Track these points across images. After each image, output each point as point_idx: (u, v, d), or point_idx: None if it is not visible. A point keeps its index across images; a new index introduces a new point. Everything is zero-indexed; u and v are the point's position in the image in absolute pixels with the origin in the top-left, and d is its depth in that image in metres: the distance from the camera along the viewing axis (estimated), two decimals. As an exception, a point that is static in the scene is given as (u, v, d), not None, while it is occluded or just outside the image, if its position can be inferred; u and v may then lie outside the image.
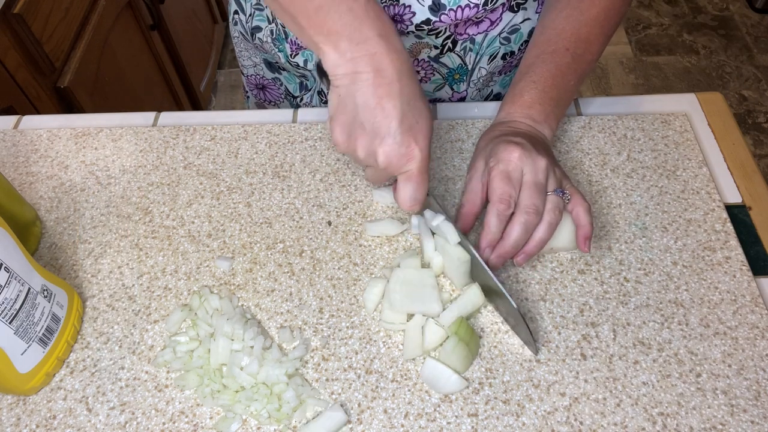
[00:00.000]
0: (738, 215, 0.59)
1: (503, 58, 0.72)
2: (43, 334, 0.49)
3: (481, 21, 0.67)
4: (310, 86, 0.79)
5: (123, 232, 0.61)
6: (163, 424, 0.49)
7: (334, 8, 0.47)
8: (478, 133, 0.67)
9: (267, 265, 0.58)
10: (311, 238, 0.59)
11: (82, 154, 0.68)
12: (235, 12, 0.74)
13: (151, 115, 0.72)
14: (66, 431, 0.49)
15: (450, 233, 0.53)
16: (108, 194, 0.64)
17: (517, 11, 0.68)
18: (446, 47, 0.68)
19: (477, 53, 0.70)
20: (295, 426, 0.48)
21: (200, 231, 0.60)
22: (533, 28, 0.69)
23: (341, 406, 0.48)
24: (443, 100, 0.75)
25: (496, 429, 0.47)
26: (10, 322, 0.46)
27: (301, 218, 0.61)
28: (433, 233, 0.55)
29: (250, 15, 0.72)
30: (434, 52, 0.69)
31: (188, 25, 1.84)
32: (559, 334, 0.52)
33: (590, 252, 0.55)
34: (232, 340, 0.51)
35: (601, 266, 0.56)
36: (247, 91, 0.88)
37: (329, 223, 0.60)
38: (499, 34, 0.69)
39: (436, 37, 0.67)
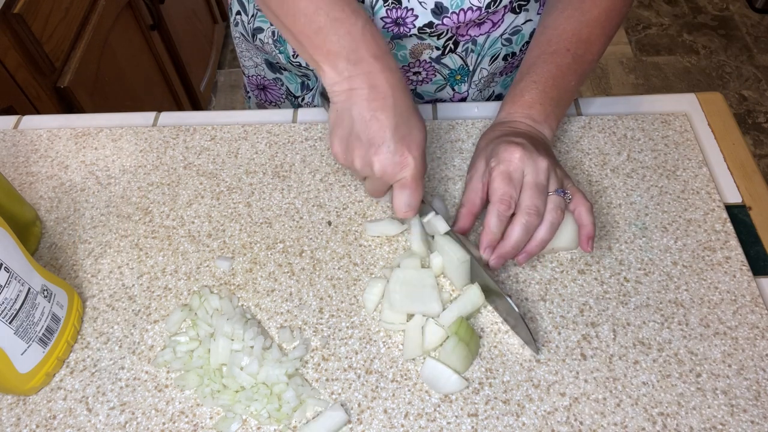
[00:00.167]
0: (738, 215, 0.59)
1: (504, 59, 0.72)
2: (43, 334, 0.49)
3: (483, 22, 0.67)
4: (311, 86, 0.79)
5: (123, 232, 0.61)
6: (163, 424, 0.49)
7: (333, 31, 0.51)
8: (478, 133, 0.67)
9: (267, 265, 0.58)
10: (311, 238, 0.59)
11: (82, 154, 0.68)
12: (237, 13, 0.74)
13: (151, 115, 0.72)
14: (66, 431, 0.49)
15: (440, 225, 0.54)
16: (108, 194, 0.64)
17: (519, 12, 0.68)
18: (448, 48, 0.68)
19: (479, 54, 0.70)
20: (295, 426, 0.48)
21: (200, 231, 0.60)
22: (534, 29, 0.70)
23: (341, 406, 0.48)
24: (444, 101, 0.76)
25: (496, 429, 0.47)
26: (10, 322, 0.46)
27: (301, 218, 0.61)
28: (433, 236, 0.55)
29: (252, 16, 0.72)
30: (436, 53, 0.69)
31: (188, 25, 1.84)
32: (559, 334, 0.52)
33: (592, 251, 0.55)
34: (232, 340, 0.51)
35: (601, 266, 0.56)
36: (248, 92, 0.88)
37: (329, 223, 0.60)
38: (501, 35, 0.69)
39: (438, 39, 0.67)
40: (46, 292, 0.50)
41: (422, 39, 0.67)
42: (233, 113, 0.72)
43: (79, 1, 1.22)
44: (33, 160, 0.68)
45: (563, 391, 0.49)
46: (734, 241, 0.57)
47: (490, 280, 0.51)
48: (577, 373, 0.50)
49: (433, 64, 0.70)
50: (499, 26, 0.68)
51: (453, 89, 0.74)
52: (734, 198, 0.61)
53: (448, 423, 0.48)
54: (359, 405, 0.49)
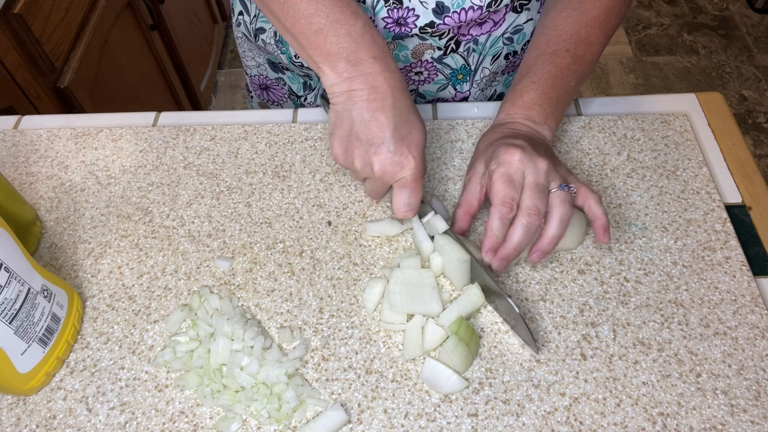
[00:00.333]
0: (738, 215, 0.59)
1: (506, 57, 0.72)
2: (43, 334, 0.49)
3: (485, 22, 0.67)
4: (313, 86, 0.79)
5: (123, 232, 0.61)
6: (163, 424, 0.49)
7: (333, 32, 0.51)
8: (478, 133, 0.67)
9: (267, 265, 0.58)
10: (311, 238, 0.59)
11: (82, 154, 0.68)
12: (240, 13, 0.74)
13: (151, 115, 0.72)
14: (66, 431, 0.49)
15: (439, 224, 0.54)
16: (108, 194, 0.64)
17: (521, 12, 0.68)
18: (449, 48, 0.68)
19: (480, 54, 0.70)
20: (295, 426, 0.48)
21: (200, 231, 0.60)
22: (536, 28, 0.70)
23: (341, 406, 0.48)
24: (446, 100, 0.76)
25: (496, 429, 0.47)
26: (10, 322, 0.46)
27: (301, 218, 0.61)
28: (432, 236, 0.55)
29: (254, 16, 0.72)
30: (437, 53, 0.69)
31: (188, 25, 1.84)
32: (559, 334, 0.52)
33: (609, 241, 0.55)
34: (232, 340, 0.51)
35: (601, 266, 0.56)
36: (250, 92, 0.88)
37: (329, 223, 0.60)
38: (503, 34, 0.69)
39: (440, 39, 0.67)
40: (46, 292, 0.50)
41: (424, 39, 0.67)
42: (233, 113, 0.72)
43: (79, 1, 1.22)
44: (33, 160, 0.68)
45: (563, 391, 0.49)
46: (734, 241, 0.57)
47: (490, 280, 0.51)
48: (577, 373, 0.50)
49: (435, 64, 0.70)
50: (501, 25, 0.68)
51: (455, 89, 0.74)
52: (734, 198, 0.61)
53: (448, 423, 0.48)
54: (359, 405, 0.49)
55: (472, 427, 0.47)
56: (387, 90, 0.51)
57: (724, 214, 0.59)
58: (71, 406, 0.50)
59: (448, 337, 0.50)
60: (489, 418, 0.48)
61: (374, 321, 0.53)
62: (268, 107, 0.86)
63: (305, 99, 0.81)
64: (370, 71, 0.51)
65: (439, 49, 0.68)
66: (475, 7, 0.62)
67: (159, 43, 1.61)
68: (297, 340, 0.53)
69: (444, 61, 0.70)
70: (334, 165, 0.65)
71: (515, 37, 0.70)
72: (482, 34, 0.68)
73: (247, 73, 0.85)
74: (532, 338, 0.49)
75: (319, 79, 0.76)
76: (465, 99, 0.76)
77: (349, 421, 0.48)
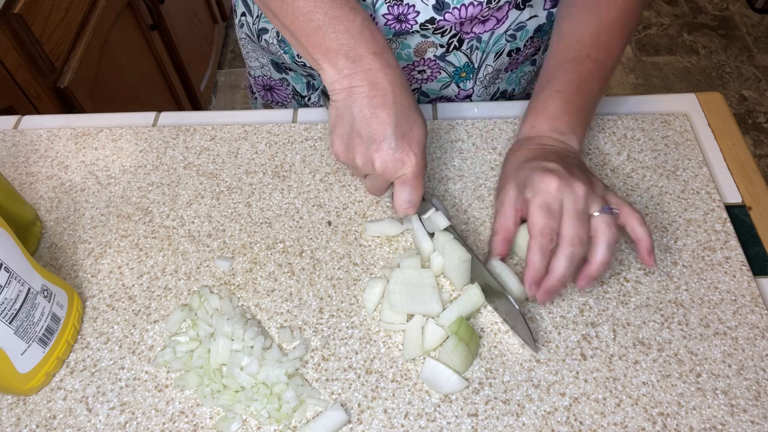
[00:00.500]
0: (738, 215, 0.59)
1: (509, 55, 0.72)
2: (43, 334, 0.49)
3: (488, 19, 0.67)
4: (317, 86, 0.79)
5: (123, 232, 0.61)
6: (163, 424, 0.49)
7: (332, 29, 0.51)
8: (478, 133, 0.67)
9: (267, 265, 0.58)
10: (311, 238, 0.59)
11: (82, 154, 0.68)
12: (243, 14, 0.74)
13: (151, 115, 0.72)
14: (66, 431, 0.49)
15: (440, 221, 0.54)
16: (108, 194, 0.64)
17: (524, 9, 0.68)
18: (452, 45, 0.68)
19: (483, 51, 0.70)
20: (295, 426, 0.48)
21: (200, 231, 0.60)
22: (539, 25, 0.69)
23: (341, 406, 0.48)
24: (450, 98, 0.76)
25: (496, 429, 0.47)
26: (10, 322, 0.46)
27: (301, 218, 0.61)
28: (432, 235, 0.55)
29: (257, 17, 0.72)
30: (440, 51, 0.69)
31: (188, 25, 1.84)
32: (559, 334, 0.52)
33: (655, 265, 0.54)
34: (232, 340, 0.51)
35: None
36: (254, 92, 0.88)
37: (329, 223, 0.60)
38: (506, 31, 0.69)
39: (442, 36, 0.67)
40: (46, 292, 0.50)
41: (426, 36, 0.67)
42: (233, 113, 0.72)
43: (79, 1, 1.22)
44: (33, 160, 0.68)
45: (563, 391, 0.49)
46: (734, 241, 0.57)
47: (492, 279, 0.51)
48: (577, 373, 0.50)
49: (438, 61, 0.70)
50: (504, 23, 0.68)
51: (458, 86, 0.74)
52: (734, 198, 0.61)
53: (448, 423, 0.48)
54: (359, 405, 0.49)
55: (472, 427, 0.47)
56: (388, 86, 0.51)
57: (724, 214, 0.59)
58: (71, 406, 0.50)
59: (448, 337, 0.50)
60: (489, 418, 0.48)
61: (374, 321, 0.53)
62: (272, 108, 0.86)
63: (309, 99, 0.81)
64: (370, 67, 0.51)
65: (442, 46, 0.68)
66: (475, 3, 0.62)
67: (159, 43, 1.61)
68: (297, 340, 0.53)
69: (447, 58, 0.70)
70: (334, 165, 0.65)
71: (518, 34, 0.70)
72: (485, 31, 0.68)
73: (250, 74, 0.85)
74: (532, 338, 0.49)
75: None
76: (468, 96, 0.76)
77: (349, 421, 0.48)
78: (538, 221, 0.50)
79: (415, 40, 0.67)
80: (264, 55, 0.78)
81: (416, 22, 0.64)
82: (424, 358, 0.50)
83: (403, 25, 0.64)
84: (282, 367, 0.49)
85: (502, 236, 0.54)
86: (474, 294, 0.52)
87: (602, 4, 0.60)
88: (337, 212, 0.61)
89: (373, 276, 0.56)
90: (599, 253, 0.50)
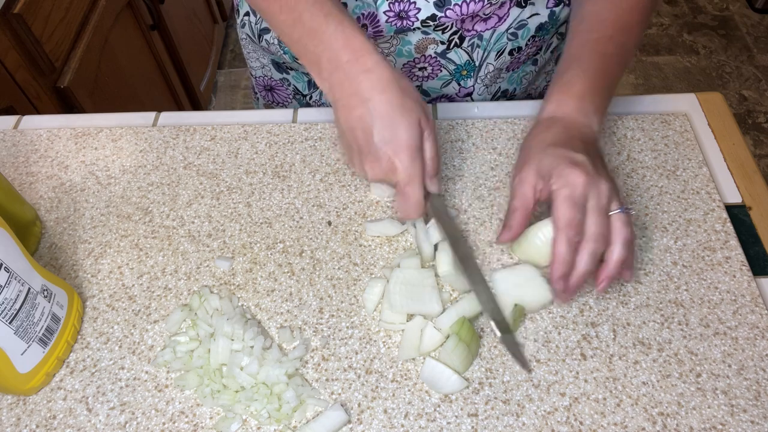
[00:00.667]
0: (738, 215, 0.59)
1: (510, 53, 0.72)
2: (43, 334, 0.49)
3: (489, 17, 0.67)
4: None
5: (123, 232, 0.61)
6: (163, 424, 0.49)
7: (309, 41, 0.51)
8: (478, 133, 0.67)
9: (267, 265, 0.58)
10: (311, 238, 0.59)
11: (82, 154, 0.68)
12: (246, 14, 0.75)
13: (151, 115, 0.72)
14: (66, 431, 0.49)
15: (433, 236, 0.55)
16: (108, 194, 0.64)
17: (525, 7, 0.68)
18: (453, 43, 0.68)
19: (484, 49, 0.70)
20: (295, 426, 0.48)
21: (200, 231, 0.60)
22: (541, 24, 0.69)
23: (341, 406, 0.48)
24: (450, 96, 0.76)
25: (496, 429, 0.47)
26: (10, 322, 0.46)
27: (301, 218, 0.61)
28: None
29: (260, 17, 0.73)
30: (441, 48, 0.69)
31: (188, 25, 1.84)
32: (559, 334, 0.52)
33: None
34: (232, 340, 0.51)
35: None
36: (256, 93, 0.88)
37: (329, 223, 0.60)
38: (507, 29, 0.69)
39: (443, 33, 0.67)
40: (46, 292, 0.50)
41: (426, 33, 0.67)
42: (233, 113, 0.72)
43: (79, 1, 1.22)
44: (33, 160, 0.68)
45: (563, 391, 0.49)
46: (734, 241, 0.57)
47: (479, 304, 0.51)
48: (577, 373, 0.50)
49: (439, 59, 0.70)
50: (505, 21, 0.68)
51: (459, 84, 0.74)
52: (734, 198, 0.61)
53: (448, 423, 0.48)
54: (359, 405, 0.49)
55: (472, 427, 0.47)
56: (365, 93, 0.50)
57: (724, 214, 0.59)
58: (71, 406, 0.50)
59: (448, 336, 0.50)
60: (489, 418, 0.48)
61: (374, 321, 0.53)
62: (273, 109, 0.86)
63: (311, 98, 0.81)
64: (346, 76, 0.50)
65: (443, 43, 0.68)
66: (476, 0, 0.62)
67: (159, 43, 1.61)
68: (297, 340, 0.53)
69: (448, 56, 0.70)
70: (334, 165, 0.65)
71: (519, 32, 0.70)
72: (486, 29, 0.68)
73: (252, 75, 0.85)
74: (524, 360, 0.50)
75: None
76: (469, 95, 0.76)
77: (349, 421, 0.48)
78: (566, 213, 0.49)
79: (416, 37, 0.67)
80: (264, 55, 0.79)
81: (417, 19, 0.64)
82: (424, 359, 0.50)
83: (404, 22, 0.64)
84: (282, 367, 0.49)
85: (522, 215, 0.52)
86: (474, 301, 0.52)
87: None
88: (337, 212, 0.61)
89: (373, 276, 0.56)
90: (616, 252, 0.50)
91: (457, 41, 0.68)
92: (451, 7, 0.63)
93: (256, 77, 0.84)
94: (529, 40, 0.71)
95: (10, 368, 0.47)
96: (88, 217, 0.62)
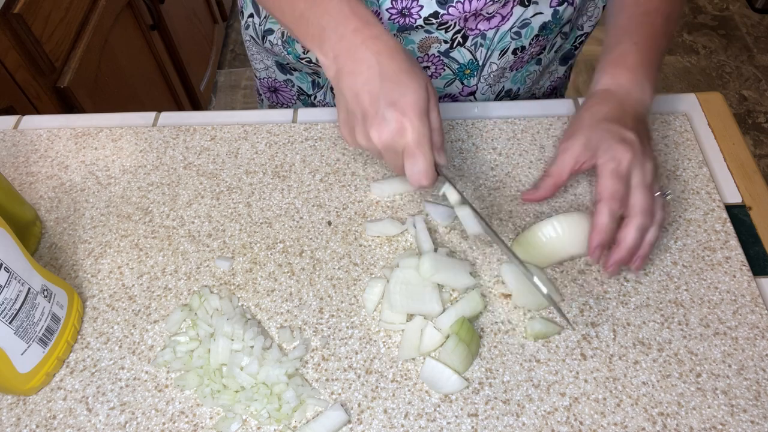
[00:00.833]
0: (738, 215, 0.59)
1: (514, 53, 0.72)
2: (43, 334, 0.49)
3: (493, 16, 0.67)
4: (322, 83, 0.79)
5: (123, 232, 0.61)
6: (163, 424, 0.49)
7: (312, 14, 0.51)
8: (478, 133, 0.67)
9: (267, 265, 0.58)
10: (311, 238, 0.59)
11: (82, 154, 0.68)
12: (250, 15, 0.75)
13: (151, 115, 0.72)
14: (66, 431, 0.49)
15: (451, 196, 0.53)
16: (108, 194, 0.64)
17: (528, 6, 0.67)
18: (456, 41, 0.68)
19: (488, 48, 0.70)
20: (295, 426, 0.48)
21: (200, 231, 0.60)
22: (545, 23, 0.69)
23: (341, 406, 0.48)
24: (454, 95, 0.76)
25: (496, 429, 0.47)
26: (10, 322, 0.46)
27: (301, 218, 0.61)
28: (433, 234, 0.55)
29: (264, 18, 0.73)
30: (444, 47, 0.69)
31: (188, 25, 1.84)
32: (559, 334, 0.52)
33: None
34: (232, 340, 0.51)
35: (601, 266, 0.56)
36: (260, 95, 0.88)
37: (329, 223, 0.60)
38: (510, 28, 0.69)
39: (446, 32, 0.67)
40: (46, 292, 0.50)
41: (429, 32, 0.67)
42: (233, 113, 0.72)
43: (79, 1, 1.22)
44: (33, 160, 0.68)
45: (563, 391, 0.49)
46: (734, 241, 0.57)
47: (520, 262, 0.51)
48: (577, 373, 0.50)
49: (442, 58, 0.70)
50: (508, 20, 0.68)
51: (462, 83, 0.74)
52: (734, 198, 0.61)
53: (448, 423, 0.48)
54: (359, 405, 0.49)
55: (472, 427, 0.47)
56: (371, 58, 0.49)
57: (724, 214, 0.59)
58: (71, 406, 0.50)
59: (448, 337, 0.50)
60: (489, 418, 0.48)
61: (374, 321, 0.53)
62: (277, 109, 0.87)
63: (315, 98, 0.81)
64: (352, 44, 0.50)
65: (446, 42, 0.68)
66: None
67: (159, 43, 1.61)
68: (297, 340, 0.53)
69: (451, 55, 0.70)
70: (335, 165, 0.65)
71: (523, 31, 0.70)
72: (490, 28, 0.68)
73: (256, 76, 0.85)
74: (564, 316, 0.51)
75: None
76: (472, 94, 0.76)
77: (349, 421, 0.48)
78: (610, 185, 0.50)
79: (419, 36, 0.67)
80: (268, 56, 0.79)
81: (420, 17, 0.64)
82: (424, 359, 0.50)
83: (407, 20, 0.64)
84: (282, 367, 0.49)
85: (554, 181, 0.54)
86: (474, 300, 0.52)
87: None
88: (337, 212, 0.61)
89: (373, 276, 0.56)
90: (651, 233, 0.51)
91: (461, 40, 0.68)
92: (454, 4, 0.63)
93: (260, 79, 0.84)
94: (532, 39, 0.71)
95: (10, 368, 0.47)
96: (88, 217, 0.62)
